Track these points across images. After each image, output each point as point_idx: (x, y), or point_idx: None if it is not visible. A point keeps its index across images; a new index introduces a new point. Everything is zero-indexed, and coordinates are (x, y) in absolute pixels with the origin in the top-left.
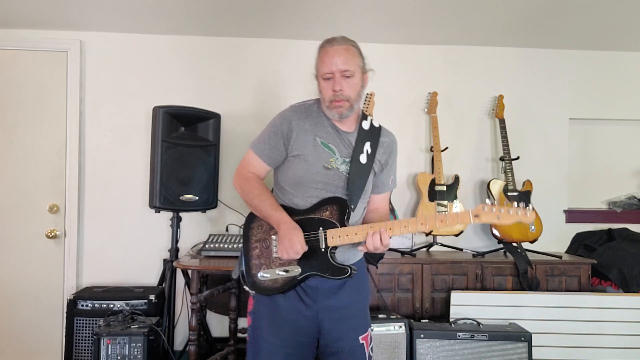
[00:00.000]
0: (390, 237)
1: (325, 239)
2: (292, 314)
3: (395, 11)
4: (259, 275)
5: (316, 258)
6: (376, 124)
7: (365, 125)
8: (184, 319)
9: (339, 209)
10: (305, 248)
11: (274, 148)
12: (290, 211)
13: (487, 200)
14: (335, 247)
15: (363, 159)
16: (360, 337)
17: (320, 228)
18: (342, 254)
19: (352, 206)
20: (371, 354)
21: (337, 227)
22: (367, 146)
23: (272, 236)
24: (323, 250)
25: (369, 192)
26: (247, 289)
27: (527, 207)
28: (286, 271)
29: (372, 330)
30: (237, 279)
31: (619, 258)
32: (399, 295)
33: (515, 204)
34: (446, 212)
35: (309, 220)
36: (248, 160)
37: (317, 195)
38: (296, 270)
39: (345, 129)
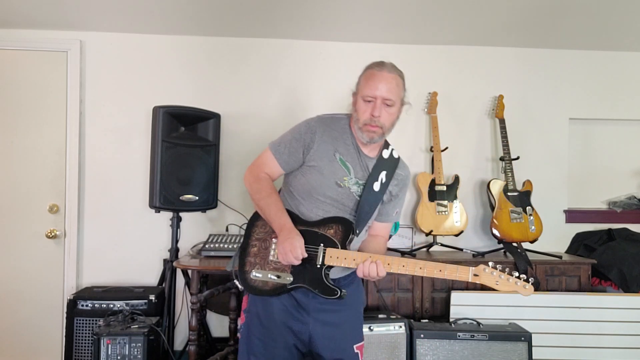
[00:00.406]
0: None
1: (324, 256)
2: (286, 315)
3: (395, 11)
4: (251, 273)
5: (310, 272)
6: (395, 155)
7: (386, 154)
8: (184, 319)
9: (344, 231)
10: (305, 255)
11: (293, 154)
12: (295, 219)
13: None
14: (330, 267)
15: (376, 186)
16: (354, 346)
17: (322, 244)
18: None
19: (357, 231)
20: None
21: (338, 247)
22: (383, 175)
23: (273, 239)
24: (318, 266)
25: (374, 218)
26: (237, 283)
27: (528, 282)
28: (278, 277)
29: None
30: (230, 272)
31: (619, 258)
32: (399, 295)
33: (516, 273)
34: (446, 212)
35: (312, 234)
36: (264, 160)
37: (324, 209)
38: (288, 279)
39: (367, 152)
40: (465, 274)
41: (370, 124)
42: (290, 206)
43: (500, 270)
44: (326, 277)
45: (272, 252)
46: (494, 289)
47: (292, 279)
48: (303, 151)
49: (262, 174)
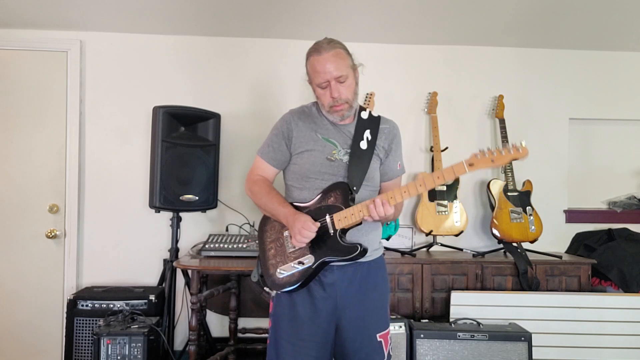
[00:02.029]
0: (392, 205)
1: (333, 223)
2: (311, 312)
3: (395, 11)
4: (276, 273)
5: (327, 243)
6: (375, 114)
7: (364, 115)
8: (184, 319)
9: (342, 193)
10: (318, 224)
11: (277, 150)
12: (299, 208)
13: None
14: (344, 231)
15: (363, 145)
16: (378, 335)
17: (327, 214)
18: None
19: (355, 187)
20: (391, 353)
21: (343, 209)
22: (367, 133)
23: (285, 233)
24: (332, 234)
25: (376, 180)
26: (267, 290)
27: (520, 143)
28: (301, 263)
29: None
30: (256, 282)
31: (619, 258)
32: (399, 295)
33: (510, 144)
34: (446, 212)
35: (316, 211)
36: (256, 165)
37: (322, 185)
38: (310, 261)
39: (344, 123)
40: (461, 169)
41: (335, 105)
42: (292, 199)
43: (490, 149)
44: (342, 239)
45: (288, 245)
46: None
47: (313, 258)
48: (286, 143)
49: (257, 177)
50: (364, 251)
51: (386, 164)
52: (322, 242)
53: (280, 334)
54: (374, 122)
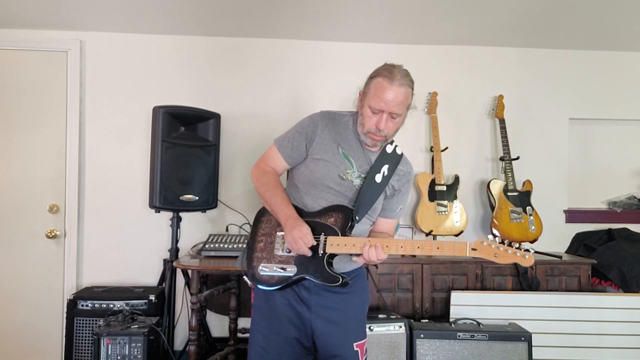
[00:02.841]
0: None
1: (325, 245)
2: (288, 310)
3: (395, 11)
4: (259, 268)
5: (313, 262)
6: (399, 151)
7: (389, 149)
8: (184, 319)
9: (344, 218)
10: (314, 242)
11: (296, 148)
12: (300, 212)
13: (493, 227)
14: (333, 255)
15: (378, 178)
16: (355, 344)
17: (323, 233)
18: (341, 259)
19: (357, 217)
20: None
21: (338, 235)
22: (385, 168)
23: (278, 233)
24: (320, 255)
25: (377, 212)
26: (245, 278)
27: (527, 251)
28: (283, 269)
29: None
30: (240, 269)
31: (619, 258)
32: (399, 295)
33: (517, 244)
34: (446, 212)
35: (314, 224)
36: (269, 155)
37: (327, 199)
38: (291, 270)
39: (370, 147)
40: (462, 249)
41: (374, 134)
42: (295, 200)
43: (499, 243)
44: (329, 265)
45: (276, 246)
46: (493, 261)
47: (296, 270)
48: (306, 145)
49: (267, 167)
50: (345, 284)
51: (389, 202)
52: (309, 260)
53: (255, 326)
54: (394, 160)
